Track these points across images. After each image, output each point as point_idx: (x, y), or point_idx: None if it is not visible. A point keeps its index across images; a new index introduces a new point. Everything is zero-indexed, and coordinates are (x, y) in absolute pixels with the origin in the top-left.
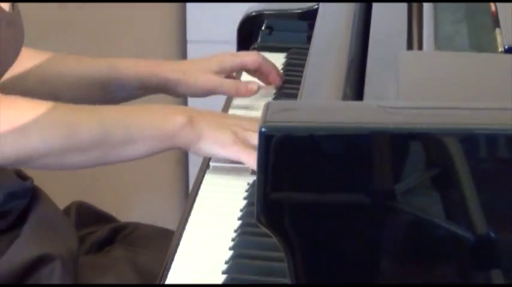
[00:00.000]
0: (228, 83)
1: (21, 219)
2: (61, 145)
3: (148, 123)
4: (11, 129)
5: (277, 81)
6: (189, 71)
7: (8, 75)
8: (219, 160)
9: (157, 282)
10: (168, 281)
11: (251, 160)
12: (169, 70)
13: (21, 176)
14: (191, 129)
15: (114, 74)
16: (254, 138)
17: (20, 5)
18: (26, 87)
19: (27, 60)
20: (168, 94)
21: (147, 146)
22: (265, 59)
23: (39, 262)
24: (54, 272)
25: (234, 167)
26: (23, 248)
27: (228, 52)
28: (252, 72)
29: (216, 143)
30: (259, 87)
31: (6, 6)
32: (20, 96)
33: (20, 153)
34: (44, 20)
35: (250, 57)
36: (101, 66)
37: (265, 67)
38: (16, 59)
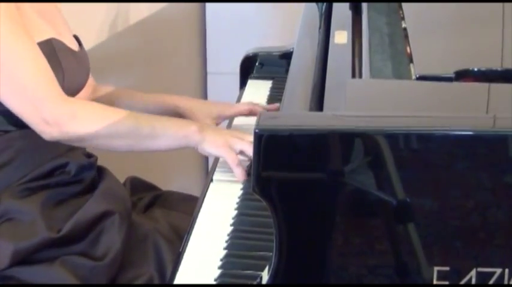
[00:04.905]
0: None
1: (92, 187)
2: (105, 131)
3: (170, 126)
4: (73, 118)
5: None
6: (196, 111)
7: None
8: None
9: (186, 235)
10: (193, 234)
11: (229, 157)
12: (183, 107)
13: (88, 155)
14: (199, 135)
15: (163, 109)
16: (238, 145)
17: None
18: None
19: (100, 91)
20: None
21: (168, 142)
22: (255, 105)
23: (104, 215)
24: (114, 223)
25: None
26: (93, 205)
27: (227, 103)
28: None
29: (213, 145)
30: None
31: (75, 47)
32: (88, 101)
33: (76, 135)
34: None
35: (242, 107)
36: (158, 102)
37: (255, 111)
38: (82, 87)
